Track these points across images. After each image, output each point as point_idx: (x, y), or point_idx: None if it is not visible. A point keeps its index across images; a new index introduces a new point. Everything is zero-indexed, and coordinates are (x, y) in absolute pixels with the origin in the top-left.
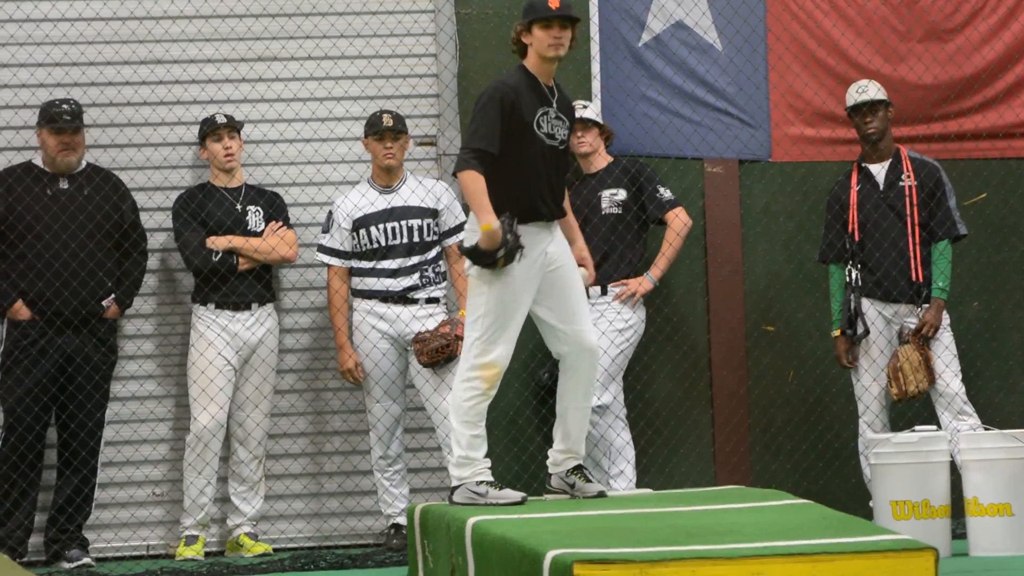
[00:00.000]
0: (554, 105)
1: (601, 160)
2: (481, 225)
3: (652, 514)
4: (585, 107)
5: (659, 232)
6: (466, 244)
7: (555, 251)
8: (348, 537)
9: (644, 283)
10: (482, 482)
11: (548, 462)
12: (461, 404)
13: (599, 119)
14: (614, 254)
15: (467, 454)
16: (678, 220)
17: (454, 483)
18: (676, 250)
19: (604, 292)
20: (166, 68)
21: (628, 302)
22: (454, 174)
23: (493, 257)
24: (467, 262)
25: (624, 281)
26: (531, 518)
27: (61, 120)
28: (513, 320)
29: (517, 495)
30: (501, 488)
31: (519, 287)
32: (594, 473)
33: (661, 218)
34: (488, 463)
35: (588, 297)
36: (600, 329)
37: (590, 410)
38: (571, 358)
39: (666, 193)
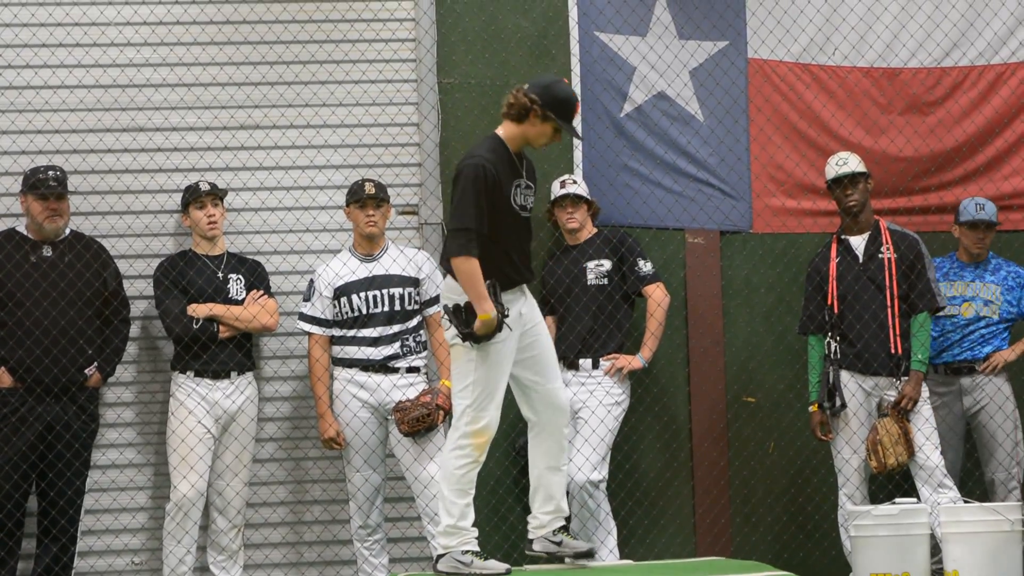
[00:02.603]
0: (523, 175)
1: (586, 232)
2: (480, 315)
3: None
4: (575, 182)
5: (645, 301)
6: (449, 310)
7: (528, 312)
8: None
9: (634, 361)
10: (468, 551)
11: (531, 526)
12: (453, 472)
13: (588, 196)
14: (603, 328)
15: (455, 523)
16: (655, 296)
17: (440, 551)
18: (660, 325)
19: (596, 365)
20: (148, 136)
21: (616, 376)
22: (447, 258)
23: (484, 340)
24: (450, 332)
25: (614, 355)
26: None
27: (46, 186)
28: (500, 384)
29: (502, 566)
30: (486, 559)
31: (503, 352)
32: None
33: (640, 291)
34: (475, 533)
35: (578, 369)
36: (592, 404)
37: (566, 468)
38: (545, 417)
39: (645, 267)
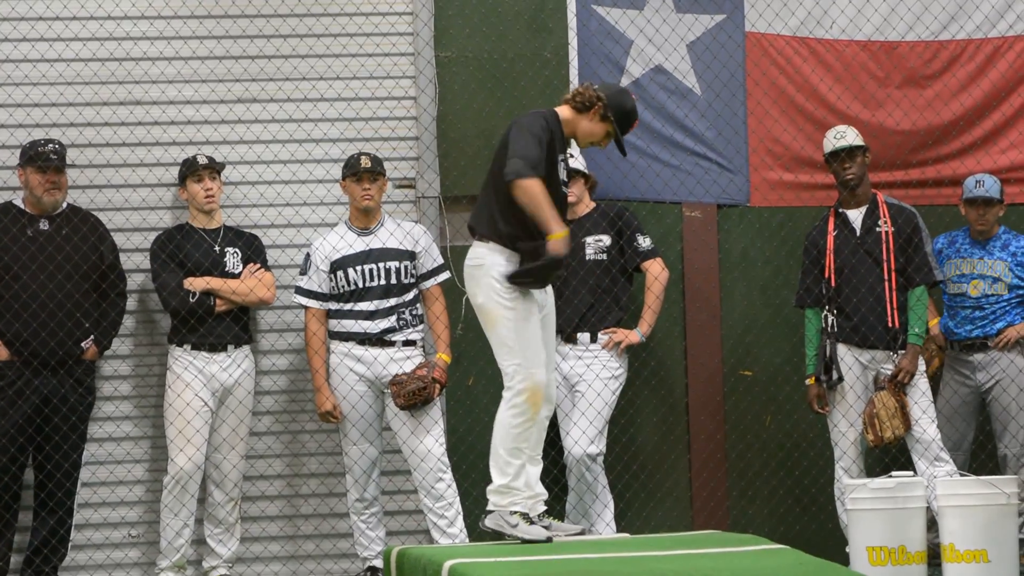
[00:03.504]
0: (566, 156)
1: (584, 207)
2: (556, 233)
3: (629, 559)
4: (572, 156)
5: (643, 275)
6: (520, 272)
7: (548, 291)
8: None
9: (632, 335)
10: (516, 512)
11: None
12: (510, 431)
13: (585, 169)
14: (601, 302)
15: (508, 483)
16: (653, 271)
17: (489, 508)
18: (658, 300)
19: (594, 339)
20: (145, 109)
21: (614, 350)
22: (510, 180)
23: (559, 266)
24: (480, 297)
25: (613, 329)
26: (508, 562)
27: (46, 159)
28: (540, 341)
29: (545, 533)
30: (532, 523)
31: (533, 311)
32: (582, 520)
33: (638, 266)
34: (526, 494)
35: (576, 342)
36: (589, 377)
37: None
38: None
39: (644, 242)
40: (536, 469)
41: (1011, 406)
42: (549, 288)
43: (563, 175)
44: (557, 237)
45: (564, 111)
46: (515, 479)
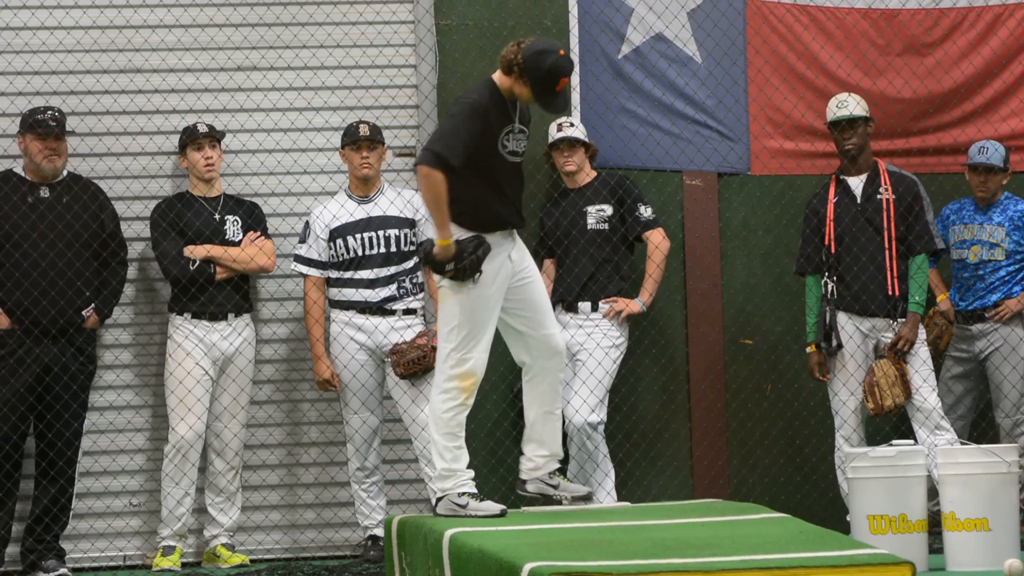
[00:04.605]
0: (516, 120)
1: (584, 176)
2: (441, 239)
3: (630, 527)
4: (572, 125)
5: (644, 244)
6: (426, 239)
7: (518, 258)
8: (325, 548)
9: (633, 305)
10: (463, 494)
11: (524, 467)
12: (440, 416)
13: (586, 138)
14: (602, 271)
15: (449, 466)
16: (654, 240)
17: (438, 495)
18: (659, 269)
19: (595, 308)
20: (146, 77)
21: (615, 319)
22: (415, 165)
23: (443, 268)
24: (437, 276)
25: (614, 298)
26: (509, 530)
27: (45, 126)
28: (487, 328)
29: (497, 507)
30: (482, 500)
31: (489, 295)
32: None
33: (639, 236)
34: (470, 474)
35: (577, 311)
36: (590, 346)
37: (560, 411)
38: (540, 363)
39: (645, 212)
40: (554, 423)
41: (1012, 375)
42: (521, 246)
43: (512, 145)
44: (441, 244)
45: (498, 76)
46: (455, 461)
